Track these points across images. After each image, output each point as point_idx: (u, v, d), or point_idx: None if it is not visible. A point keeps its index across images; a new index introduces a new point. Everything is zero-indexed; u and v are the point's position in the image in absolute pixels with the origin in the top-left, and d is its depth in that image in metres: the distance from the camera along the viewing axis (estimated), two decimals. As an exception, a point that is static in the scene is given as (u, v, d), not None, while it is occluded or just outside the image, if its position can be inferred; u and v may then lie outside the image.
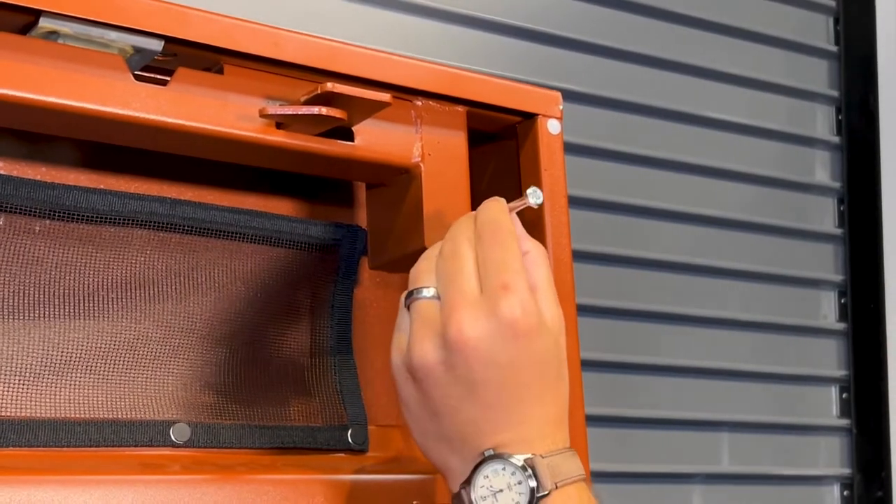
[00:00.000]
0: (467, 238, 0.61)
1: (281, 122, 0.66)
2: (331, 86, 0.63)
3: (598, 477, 1.21)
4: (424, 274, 0.61)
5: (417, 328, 0.60)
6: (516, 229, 0.62)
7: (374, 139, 0.69)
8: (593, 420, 1.19)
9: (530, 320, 0.58)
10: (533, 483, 0.58)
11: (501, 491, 0.58)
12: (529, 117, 0.75)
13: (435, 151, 0.71)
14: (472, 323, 0.58)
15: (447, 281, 0.60)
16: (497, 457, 0.59)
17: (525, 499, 0.58)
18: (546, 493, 0.58)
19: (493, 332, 0.58)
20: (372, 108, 0.66)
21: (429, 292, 0.60)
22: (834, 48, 1.46)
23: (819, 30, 1.46)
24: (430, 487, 0.70)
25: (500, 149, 0.78)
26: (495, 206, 0.62)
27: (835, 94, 1.45)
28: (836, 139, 1.45)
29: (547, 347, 0.59)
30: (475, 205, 0.73)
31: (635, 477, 1.26)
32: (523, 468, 0.58)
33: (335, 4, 1.09)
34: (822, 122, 1.45)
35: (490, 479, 0.59)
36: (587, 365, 1.19)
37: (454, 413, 0.59)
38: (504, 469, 0.58)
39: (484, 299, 0.58)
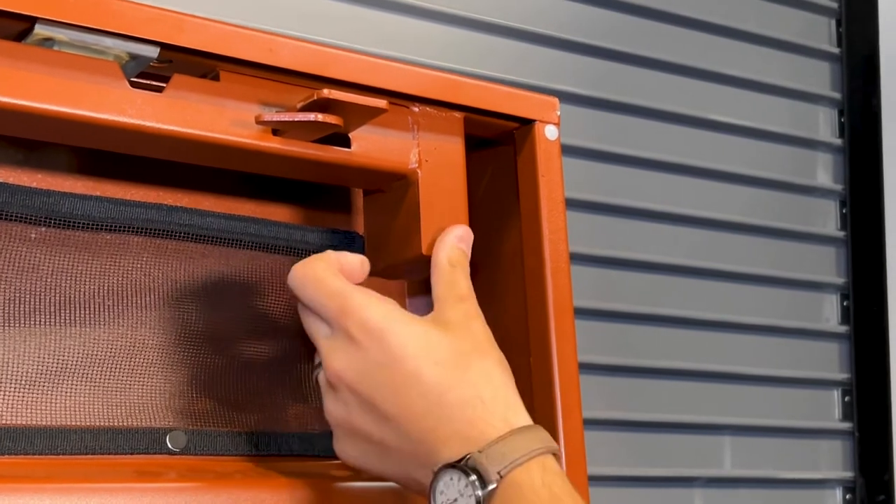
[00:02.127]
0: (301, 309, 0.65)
1: (277, 129, 0.65)
2: (327, 92, 0.63)
3: (599, 480, 1.21)
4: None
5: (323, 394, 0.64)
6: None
7: (371, 145, 0.69)
8: (594, 424, 1.19)
9: (369, 329, 0.61)
10: (476, 481, 0.58)
11: (456, 500, 0.58)
12: (527, 123, 0.75)
13: (432, 157, 0.71)
14: (333, 358, 0.62)
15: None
16: (445, 467, 0.59)
17: (470, 499, 0.58)
18: (492, 486, 0.58)
19: (351, 357, 0.61)
20: (368, 115, 0.66)
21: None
22: (836, 50, 1.45)
23: (821, 32, 1.46)
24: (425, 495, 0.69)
25: (497, 154, 0.78)
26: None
27: (837, 96, 1.45)
28: (838, 141, 1.44)
29: (404, 343, 0.61)
30: (472, 210, 0.73)
31: (637, 480, 1.25)
32: (463, 470, 0.58)
33: (331, 6, 1.09)
34: (824, 125, 1.45)
35: (444, 493, 0.59)
36: (587, 368, 1.19)
37: (386, 446, 0.62)
38: (451, 478, 0.59)
39: (331, 337, 0.62)
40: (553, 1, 1.25)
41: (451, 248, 0.68)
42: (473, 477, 0.58)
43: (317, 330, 0.64)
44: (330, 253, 0.65)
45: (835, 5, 1.46)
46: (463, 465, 0.58)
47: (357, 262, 0.65)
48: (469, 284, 0.67)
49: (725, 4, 1.37)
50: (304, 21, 1.06)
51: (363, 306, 0.62)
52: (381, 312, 0.62)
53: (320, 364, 0.64)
